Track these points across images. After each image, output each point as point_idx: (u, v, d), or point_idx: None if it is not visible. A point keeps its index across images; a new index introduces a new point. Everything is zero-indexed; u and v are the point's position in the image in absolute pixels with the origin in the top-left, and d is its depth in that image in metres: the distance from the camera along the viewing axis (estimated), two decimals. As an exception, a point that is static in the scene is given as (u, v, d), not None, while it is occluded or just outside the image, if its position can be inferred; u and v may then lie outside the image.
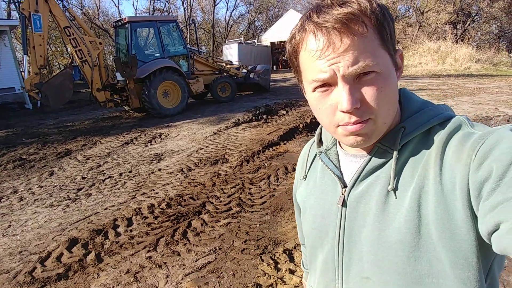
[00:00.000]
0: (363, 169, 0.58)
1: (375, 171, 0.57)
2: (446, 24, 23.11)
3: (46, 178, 4.61)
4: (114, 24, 8.96)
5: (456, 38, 22.26)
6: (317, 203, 0.66)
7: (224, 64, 11.16)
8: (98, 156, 5.57)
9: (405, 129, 0.54)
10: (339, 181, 0.61)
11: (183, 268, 2.37)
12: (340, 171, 0.63)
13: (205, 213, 3.20)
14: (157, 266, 2.42)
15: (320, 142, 0.70)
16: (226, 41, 26.03)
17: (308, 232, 0.69)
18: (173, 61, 8.86)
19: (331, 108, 0.51)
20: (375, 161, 0.57)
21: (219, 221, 3.04)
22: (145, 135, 6.89)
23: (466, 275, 0.47)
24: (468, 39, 22.36)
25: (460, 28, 23.57)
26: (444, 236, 0.47)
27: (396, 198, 0.52)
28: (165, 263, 2.46)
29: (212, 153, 5.22)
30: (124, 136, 6.90)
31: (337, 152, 0.65)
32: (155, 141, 6.35)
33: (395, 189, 0.53)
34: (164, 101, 8.49)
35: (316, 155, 0.70)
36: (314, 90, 0.52)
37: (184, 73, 8.99)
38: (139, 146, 6.09)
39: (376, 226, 0.54)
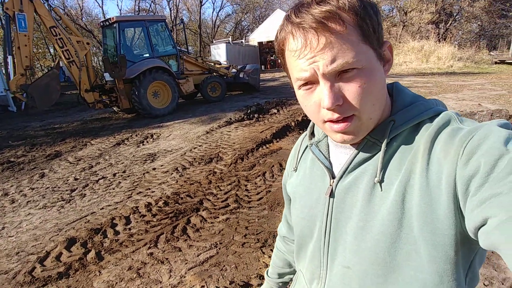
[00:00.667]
0: (352, 161, 0.59)
1: (363, 163, 0.57)
2: (428, 24, 23.73)
3: (37, 180, 4.53)
4: (102, 23, 8.83)
5: (438, 37, 22.89)
6: (306, 193, 0.67)
7: (214, 64, 11.16)
8: (90, 157, 5.50)
9: (394, 122, 0.55)
10: (328, 172, 0.63)
11: (186, 263, 2.40)
12: (330, 162, 0.64)
13: (203, 210, 3.23)
14: (159, 262, 2.44)
15: (312, 134, 0.71)
16: (214, 41, 25.96)
17: (297, 221, 0.70)
18: (163, 61, 8.81)
19: (315, 105, 0.52)
20: (364, 153, 0.57)
21: (218, 217, 3.07)
22: (136, 135, 6.84)
23: (443, 267, 0.48)
24: (450, 38, 23.03)
25: (442, 28, 24.25)
26: (425, 230, 0.47)
27: (381, 191, 0.53)
28: (167, 258, 2.48)
29: (206, 152, 5.24)
30: (115, 137, 6.82)
31: (328, 143, 0.66)
32: (147, 142, 6.31)
33: (381, 182, 0.53)
34: (154, 102, 8.43)
35: (307, 147, 0.72)
36: (299, 88, 0.54)
37: (174, 73, 8.95)
38: (131, 146, 6.05)
39: (362, 218, 0.55)
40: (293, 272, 0.92)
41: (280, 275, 0.94)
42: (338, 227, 0.59)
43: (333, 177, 0.62)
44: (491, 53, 22.47)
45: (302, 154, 0.74)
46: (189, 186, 3.88)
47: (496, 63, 18.95)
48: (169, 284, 2.17)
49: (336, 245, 0.60)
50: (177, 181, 4.07)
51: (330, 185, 0.61)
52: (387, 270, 0.52)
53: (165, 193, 3.71)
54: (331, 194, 0.61)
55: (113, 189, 4.01)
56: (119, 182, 4.21)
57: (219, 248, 2.57)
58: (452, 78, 13.38)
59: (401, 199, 0.50)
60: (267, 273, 0.97)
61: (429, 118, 0.54)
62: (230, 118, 7.43)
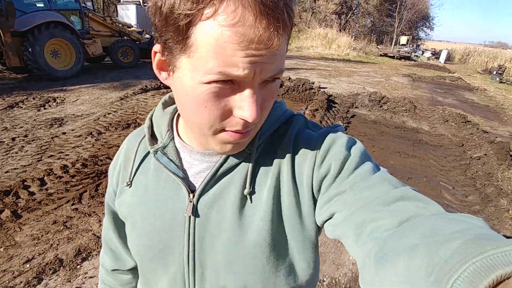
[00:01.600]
0: (217, 170, 0.51)
1: (229, 172, 0.51)
2: (333, 14, 26.37)
3: None
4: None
5: (340, 27, 25.75)
6: (152, 214, 0.54)
7: (124, 27, 10.29)
8: (-26, 120, 4.73)
9: (261, 127, 0.51)
10: (183, 184, 0.51)
11: (114, 214, 2.58)
12: (185, 173, 0.53)
13: (126, 170, 3.34)
14: (86, 215, 2.55)
15: (152, 138, 0.57)
16: (122, 1, 23.26)
17: (142, 251, 0.56)
18: (63, 15, 7.75)
19: (223, 110, 0.41)
20: (231, 161, 0.51)
21: (142, 176, 3.25)
22: (33, 98, 6.05)
23: (310, 255, 0.52)
24: (349, 29, 26.19)
25: (343, 19, 27.29)
26: (295, 229, 0.50)
27: (251, 202, 0.50)
28: (94, 211, 2.60)
29: (122, 117, 5.13)
30: (4, 99, 5.90)
31: (176, 148, 0.54)
32: (50, 105, 5.70)
33: (252, 192, 0.50)
34: (53, 62, 7.44)
35: (147, 154, 0.58)
36: (210, 83, 0.38)
37: (78, 31, 7.99)
38: (29, 110, 5.39)
39: (234, 232, 0.50)
40: None
41: None
42: (204, 249, 0.52)
43: (192, 190, 0.52)
44: (378, 46, 26.54)
45: (139, 164, 0.58)
46: (108, 149, 3.87)
47: (381, 55, 22.56)
48: (101, 231, 2.34)
49: (204, 269, 0.52)
50: (93, 145, 3.98)
51: (191, 201, 0.51)
52: (266, 276, 0.51)
53: (82, 156, 3.63)
54: (193, 212, 0.51)
55: (16, 153, 3.68)
56: (22, 146, 3.86)
57: (147, 201, 2.80)
58: (347, 65, 15.53)
59: (272, 205, 0.49)
60: None
61: (284, 122, 0.54)
62: (146, 86, 7.22)
